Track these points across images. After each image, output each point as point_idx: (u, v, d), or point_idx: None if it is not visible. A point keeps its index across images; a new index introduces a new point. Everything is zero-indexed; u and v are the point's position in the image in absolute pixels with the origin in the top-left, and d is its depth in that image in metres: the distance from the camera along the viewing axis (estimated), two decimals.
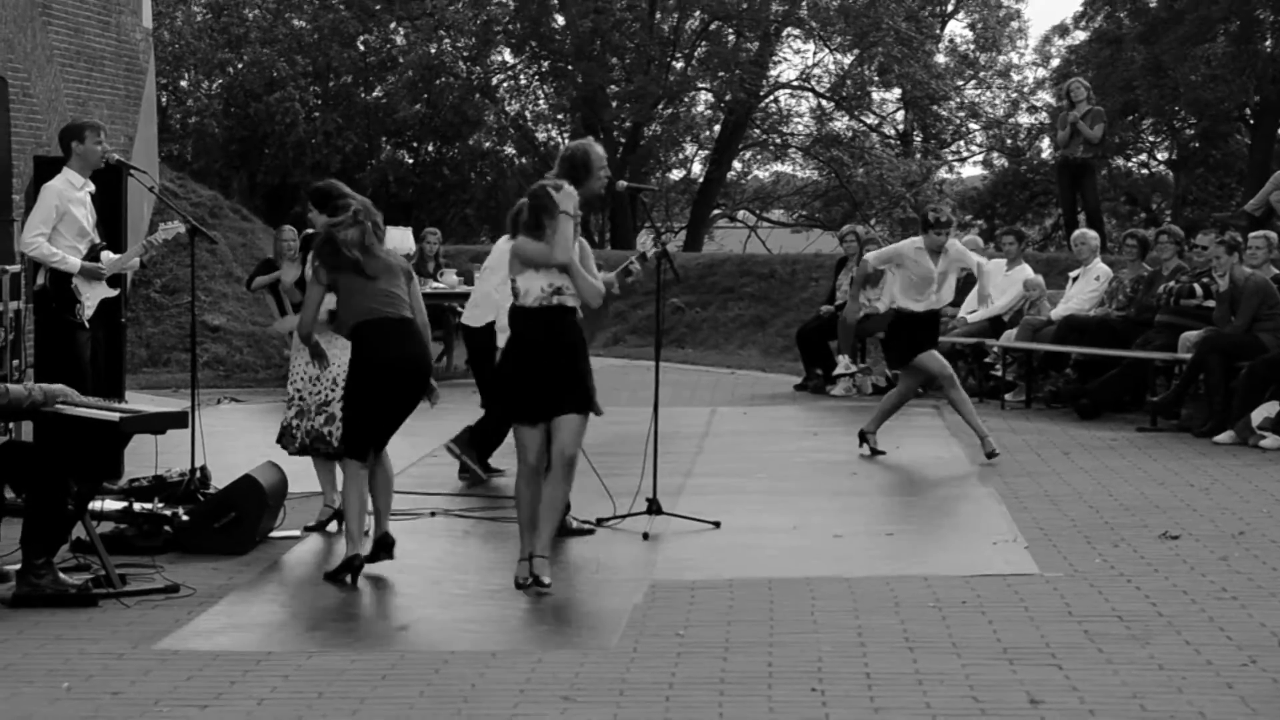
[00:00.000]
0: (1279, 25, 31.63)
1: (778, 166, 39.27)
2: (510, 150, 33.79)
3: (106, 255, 10.13)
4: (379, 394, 7.97)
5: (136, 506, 8.70)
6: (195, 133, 30.66)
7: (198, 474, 9.52)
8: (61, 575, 7.50)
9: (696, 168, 37.01)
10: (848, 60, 35.21)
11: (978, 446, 11.95)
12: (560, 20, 32.96)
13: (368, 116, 31.37)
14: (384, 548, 8.09)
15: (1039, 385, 14.64)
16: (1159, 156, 36.14)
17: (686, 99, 34.60)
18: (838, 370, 15.81)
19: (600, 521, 9.20)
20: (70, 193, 9.92)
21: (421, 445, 12.02)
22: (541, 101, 34.74)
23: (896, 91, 36.19)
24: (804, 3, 33.70)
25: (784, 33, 34.70)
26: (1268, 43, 31.84)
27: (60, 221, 9.86)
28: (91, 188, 10.09)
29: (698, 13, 33.45)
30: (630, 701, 5.92)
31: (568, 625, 7.28)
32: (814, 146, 36.58)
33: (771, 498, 10.21)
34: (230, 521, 8.55)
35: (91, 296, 10.02)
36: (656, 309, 10.03)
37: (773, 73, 35.51)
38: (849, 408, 14.90)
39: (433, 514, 9.72)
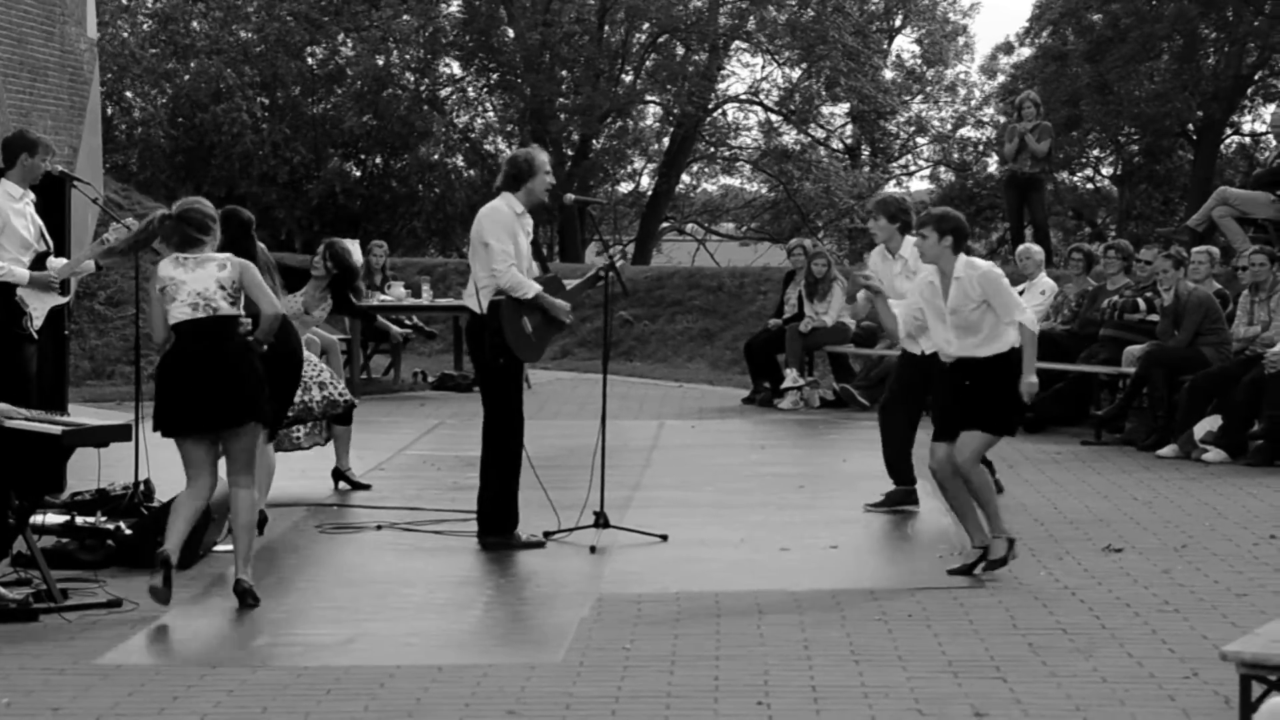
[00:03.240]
0: (1221, 42, 31.97)
1: (726, 180, 39.41)
2: (460, 162, 33.72)
3: (55, 261, 10.04)
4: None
5: (79, 520, 8.63)
6: (141, 143, 30.47)
7: (141, 487, 9.44)
8: (1, 590, 7.43)
9: (645, 180, 37.07)
10: (795, 74, 35.35)
11: (924, 459, 11.98)
12: (509, 33, 32.95)
13: (315, 128, 31.26)
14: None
15: None
16: (1104, 171, 36.44)
17: (635, 112, 34.65)
18: (785, 384, 15.85)
19: (547, 535, 9.19)
20: (9, 204, 9.82)
21: (369, 459, 11.99)
22: (490, 113, 34.72)
23: (844, 105, 36.36)
24: (752, 17, 33.82)
25: (732, 46, 34.81)
26: (1210, 60, 32.16)
27: (1, 234, 9.77)
28: (32, 197, 9.99)
29: (646, 25, 33.51)
30: (576, 715, 5.91)
31: (514, 639, 7.26)
32: (762, 160, 36.69)
33: (719, 511, 10.22)
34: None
35: (40, 306, 9.94)
36: (605, 322, 10.03)
37: (721, 86, 35.62)
38: (796, 421, 14.93)
39: (379, 527, 9.68)
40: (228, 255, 7.77)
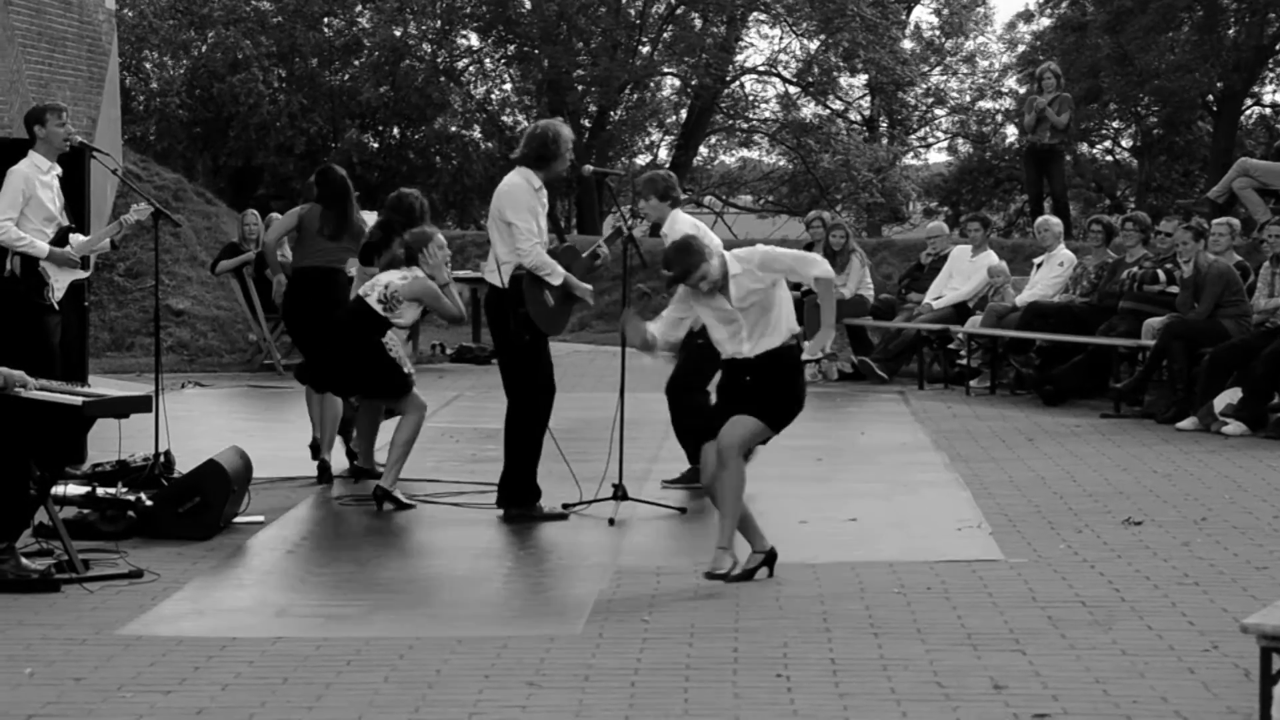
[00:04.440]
0: (1242, 13, 31.77)
1: (744, 152, 39.27)
2: (477, 134, 33.67)
3: (76, 237, 10.08)
4: None
5: (100, 491, 8.65)
6: (158, 114, 30.46)
7: (162, 459, 9.48)
8: (24, 560, 7.46)
9: (663, 153, 36.96)
10: (814, 46, 35.21)
11: (943, 432, 12.00)
12: (526, 4, 32.86)
13: (333, 99, 31.22)
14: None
15: (1003, 371, 14.70)
16: (1123, 143, 36.29)
17: (652, 83, 34.54)
18: (803, 356, 15.81)
19: (567, 507, 9.20)
20: (37, 176, 9.87)
21: (386, 430, 12.00)
22: (507, 85, 34.66)
23: (862, 77, 36.21)
24: None
25: (750, 17, 34.68)
26: (1231, 30, 31.98)
27: (27, 205, 9.81)
28: (58, 170, 10.03)
29: None
30: (595, 687, 5.92)
31: (534, 611, 7.28)
32: (780, 132, 36.58)
33: None
34: (194, 507, 8.51)
35: (61, 279, 9.98)
36: (623, 294, 10.03)
37: (739, 58, 35.50)
38: (814, 393, 14.84)
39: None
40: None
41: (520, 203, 8.99)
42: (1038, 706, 5.61)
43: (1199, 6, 31.09)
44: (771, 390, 7.55)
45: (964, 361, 15.13)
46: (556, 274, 9.01)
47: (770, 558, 7.63)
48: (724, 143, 38.65)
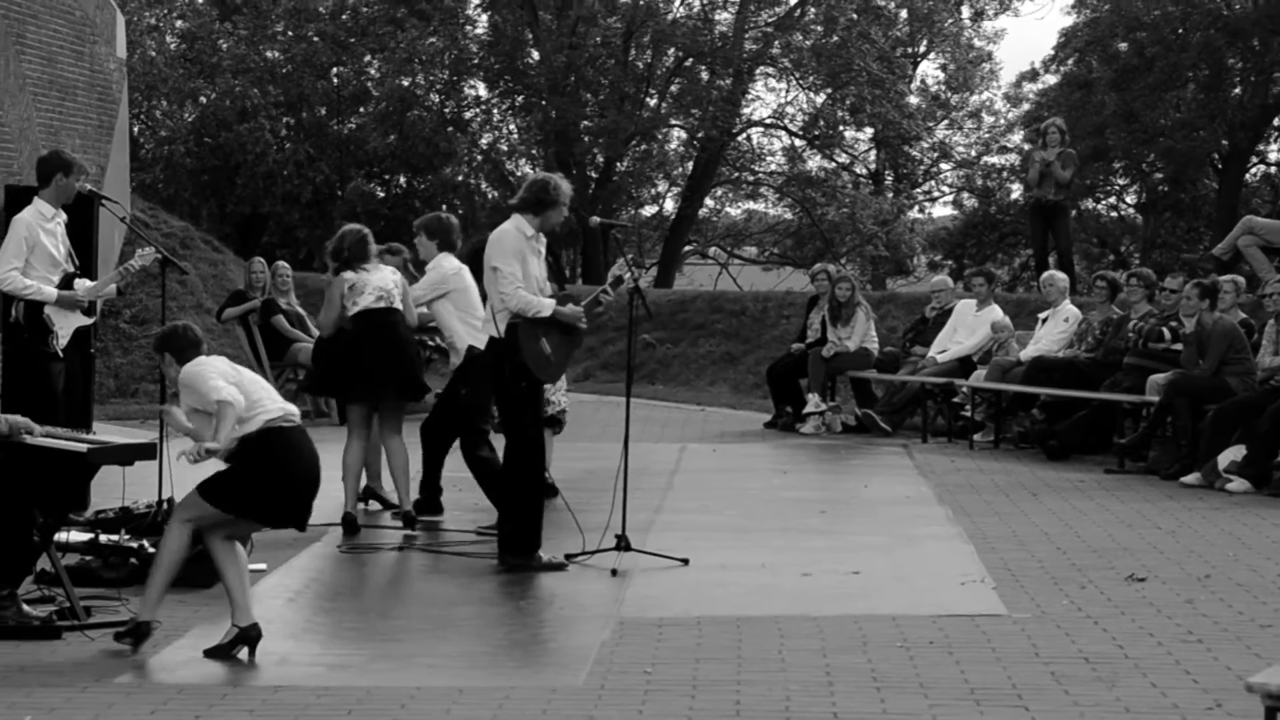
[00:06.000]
0: (1248, 72, 31.91)
1: (750, 204, 39.38)
2: (485, 185, 33.79)
3: (81, 282, 10.10)
4: None
5: (103, 538, 8.65)
6: (165, 160, 30.59)
7: (164, 506, 9.46)
8: (25, 607, 7.45)
9: (669, 204, 37.09)
10: (820, 99, 35.37)
11: (946, 485, 11.99)
12: (535, 55, 33.04)
13: (340, 148, 31.36)
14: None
15: (1007, 426, 14.69)
16: (1128, 199, 36.37)
17: (659, 135, 34.69)
18: (807, 408, 15.84)
19: (569, 557, 9.19)
20: (40, 223, 9.89)
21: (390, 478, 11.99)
22: (514, 135, 34.80)
23: (868, 131, 36.34)
24: (777, 42, 33.85)
25: (757, 71, 34.85)
26: (1236, 90, 32.11)
27: (31, 254, 9.83)
28: (63, 217, 10.06)
29: (672, 50, 33.57)
30: None
31: (535, 661, 7.26)
32: (786, 185, 36.70)
33: (740, 535, 10.21)
34: (196, 554, 8.48)
35: (66, 326, 10.00)
36: (628, 345, 10.07)
37: (746, 110, 35.64)
38: (818, 446, 14.92)
39: (400, 548, 9.69)
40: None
41: (507, 249, 9.03)
42: None
43: (1204, 65, 31.23)
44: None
45: (968, 415, 15.13)
46: (544, 308, 9.03)
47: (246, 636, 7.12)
48: (730, 195, 38.78)
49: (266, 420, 7.20)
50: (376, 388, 10.23)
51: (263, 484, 7.20)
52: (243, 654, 7.09)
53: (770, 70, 35.03)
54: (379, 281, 10.33)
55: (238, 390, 7.15)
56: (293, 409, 7.40)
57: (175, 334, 7.51)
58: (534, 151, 34.14)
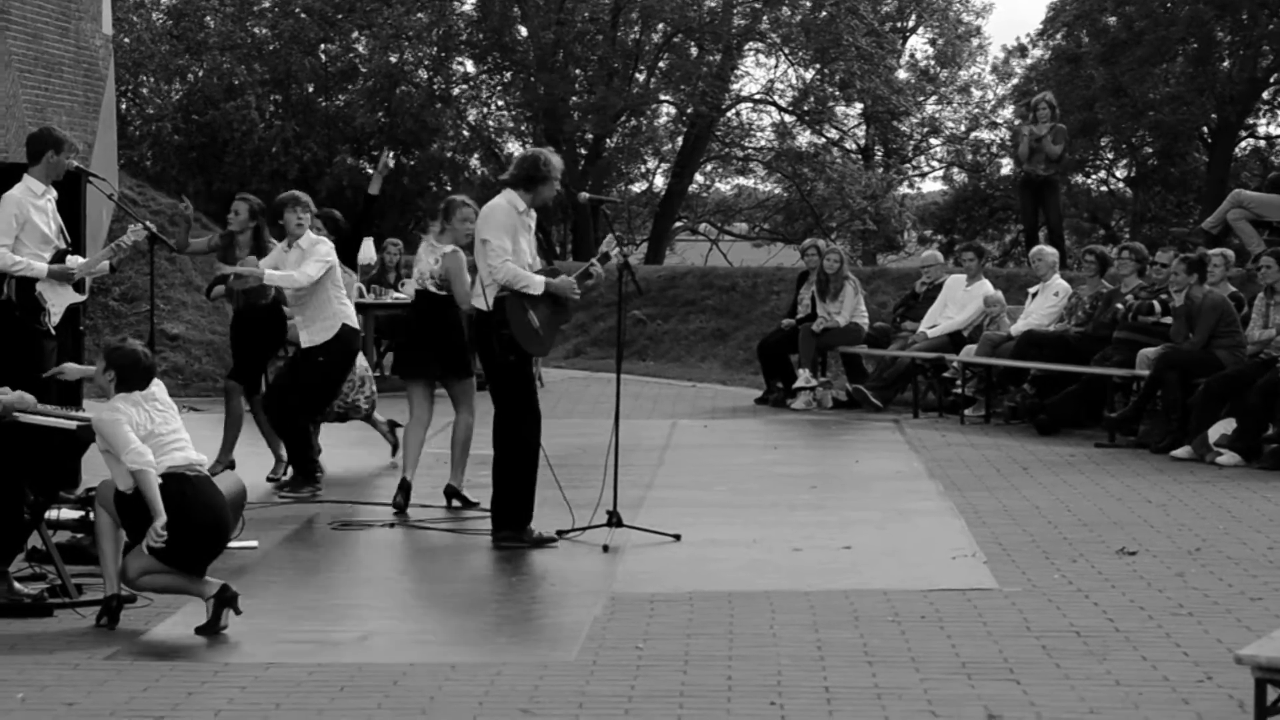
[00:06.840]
0: (1236, 46, 31.90)
1: (740, 180, 39.37)
2: (474, 161, 33.73)
3: (74, 259, 10.08)
4: None
5: (93, 515, 8.62)
6: (153, 138, 30.52)
7: None
8: (17, 585, 7.45)
9: (658, 180, 37.06)
10: (809, 75, 35.33)
11: (937, 460, 12.00)
12: (523, 31, 32.96)
13: (328, 125, 31.29)
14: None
15: (998, 400, 14.70)
16: (1118, 174, 36.40)
17: (649, 111, 34.64)
18: (798, 384, 15.84)
19: (561, 533, 9.19)
20: (30, 200, 9.87)
21: (381, 455, 12.00)
22: (503, 111, 34.73)
23: (858, 106, 36.32)
24: (766, 17, 33.80)
25: (746, 46, 34.79)
26: (1225, 64, 32.11)
27: (21, 230, 9.81)
28: (54, 194, 10.04)
29: (660, 25, 33.50)
30: (589, 714, 5.91)
31: (527, 637, 7.27)
32: (776, 161, 36.67)
33: (731, 511, 10.22)
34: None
35: (58, 304, 9.98)
36: (618, 321, 10.04)
37: (735, 86, 35.60)
38: (809, 421, 14.93)
39: (390, 525, 9.69)
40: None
41: (497, 223, 9.02)
42: None
43: (1193, 40, 31.22)
44: None
45: (959, 390, 15.14)
46: (534, 284, 9.02)
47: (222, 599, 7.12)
48: (719, 170, 38.74)
49: (169, 467, 7.16)
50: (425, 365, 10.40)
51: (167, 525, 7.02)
52: (229, 617, 7.08)
53: (759, 45, 34.99)
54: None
55: (143, 445, 7.05)
56: (199, 458, 7.35)
57: (129, 359, 7.25)
58: (523, 128, 34.09)
